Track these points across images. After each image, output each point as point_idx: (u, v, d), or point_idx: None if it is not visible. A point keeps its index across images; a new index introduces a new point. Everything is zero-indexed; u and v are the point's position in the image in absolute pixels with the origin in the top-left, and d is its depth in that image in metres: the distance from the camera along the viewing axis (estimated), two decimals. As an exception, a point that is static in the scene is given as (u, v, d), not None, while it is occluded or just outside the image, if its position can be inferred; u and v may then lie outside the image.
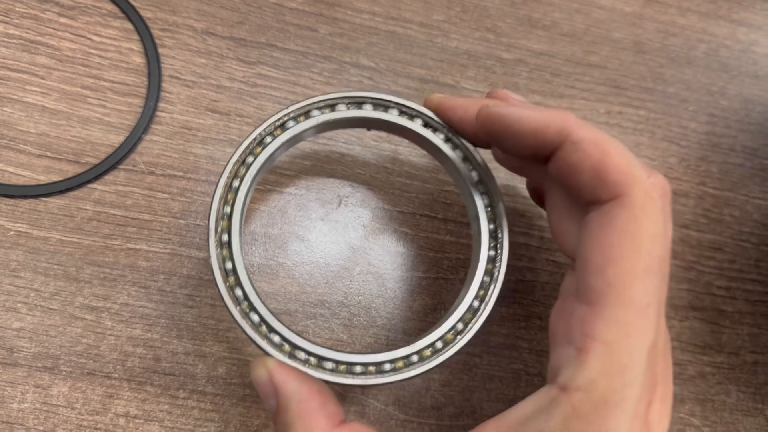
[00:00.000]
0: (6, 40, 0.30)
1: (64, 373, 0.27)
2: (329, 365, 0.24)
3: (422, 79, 0.33)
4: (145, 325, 0.28)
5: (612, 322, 0.19)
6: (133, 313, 0.28)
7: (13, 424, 0.27)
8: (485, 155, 0.27)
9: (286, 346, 0.24)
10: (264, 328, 0.24)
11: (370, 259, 0.30)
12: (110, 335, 0.28)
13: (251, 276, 0.25)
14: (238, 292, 0.24)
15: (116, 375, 0.28)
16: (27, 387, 0.27)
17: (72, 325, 0.28)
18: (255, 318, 0.24)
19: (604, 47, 0.35)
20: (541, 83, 0.34)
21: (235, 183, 0.25)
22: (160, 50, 0.31)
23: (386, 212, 0.31)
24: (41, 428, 0.27)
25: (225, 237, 0.24)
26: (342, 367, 0.24)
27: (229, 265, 0.24)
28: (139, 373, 0.28)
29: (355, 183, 0.31)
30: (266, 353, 0.23)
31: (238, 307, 0.24)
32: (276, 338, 0.24)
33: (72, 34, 0.30)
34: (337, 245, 0.30)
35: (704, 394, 0.32)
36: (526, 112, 0.23)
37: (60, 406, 0.27)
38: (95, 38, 0.31)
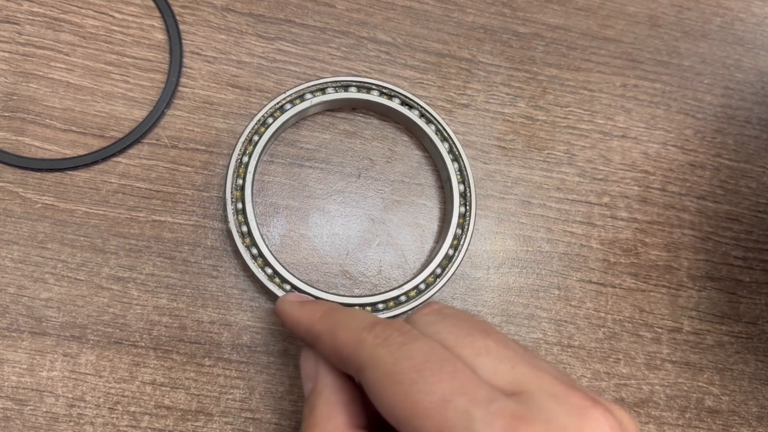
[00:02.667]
0: (31, 18, 0.30)
1: (91, 342, 0.28)
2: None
3: (439, 53, 0.33)
4: (171, 294, 0.29)
5: None
6: (159, 283, 0.29)
7: (43, 391, 0.27)
8: (455, 128, 0.32)
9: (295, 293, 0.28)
10: (277, 279, 0.28)
11: (390, 230, 0.31)
12: (136, 305, 0.28)
13: (264, 238, 0.29)
14: (254, 251, 0.28)
15: (143, 344, 0.28)
16: (56, 356, 0.27)
17: (99, 295, 0.28)
18: (269, 271, 0.28)
19: (619, 21, 0.35)
20: (557, 57, 0.34)
21: (245, 159, 0.29)
22: (181, 27, 0.31)
23: (404, 185, 0.31)
24: (70, 396, 0.27)
25: (240, 205, 0.29)
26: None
27: (245, 229, 0.28)
28: (165, 342, 0.28)
29: (374, 156, 0.32)
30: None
31: (254, 262, 0.28)
32: (288, 287, 0.28)
33: (95, 11, 0.31)
34: (357, 217, 0.31)
35: (723, 363, 0.32)
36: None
37: (88, 374, 0.27)
38: (117, 15, 0.31)
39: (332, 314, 0.23)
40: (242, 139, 0.29)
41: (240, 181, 0.29)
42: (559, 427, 0.17)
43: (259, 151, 0.29)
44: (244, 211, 0.28)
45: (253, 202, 0.29)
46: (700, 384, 0.32)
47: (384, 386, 0.19)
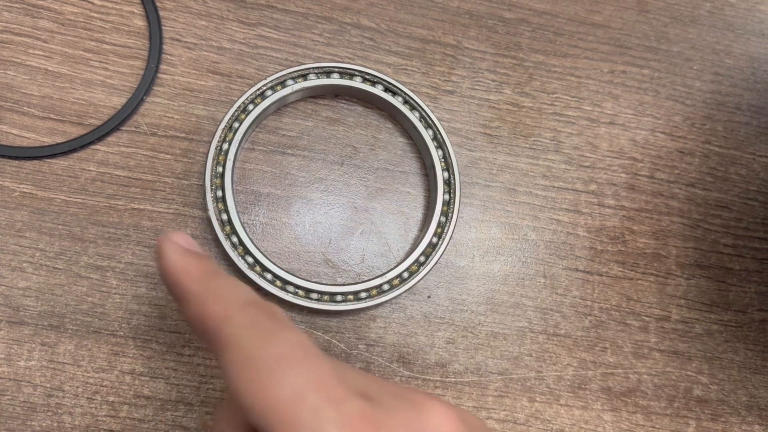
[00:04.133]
0: (9, 4, 0.30)
1: (70, 331, 0.27)
2: (315, 296, 0.28)
3: (424, 39, 0.33)
4: (150, 283, 0.28)
5: None
6: (138, 272, 0.28)
7: (21, 381, 0.27)
8: (440, 115, 0.32)
9: (278, 282, 0.28)
10: (258, 268, 0.28)
11: (373, 218, 0.30)
12: (115, 294, 0.28)
13: (245, 226, 0.29)
14: (234, 239, 0.28)
15: (122, 333, 0.28)
16: (33, 345, 0.27)
17: (77, 284, 0.28)
18: (249, 260, 0.28)
19: (607, 6, 0.35)
20: (544, 43, 0.34)
21: (225, 146, 0.29)
22: (161, 13, 0.31)
23: (388, 172, 0.31)
24: (48, 385, 0.27)
25: (219, 193, 0.28)
26: (326, 297, 0.28)
27: (224, 216, 0.28)
28: (145, 331, 0.28)
29: (358, 143, 0.31)
30: (262, 290, 0.28)
31: (234, 251, 0.28)
32: (269, 276, 0.28)
33: (73, -2, 0.30)
34: (340, 205, 0.30)
35: (712, 351, 0.32)
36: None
37: (66, 363, 0.27)
38: (97, 2, 0.31)
39: (209, 279, 0.20)
40: (222, 125, 0.29)
41: (220, 169, 0.28)
42: (402, 421, 0.18)
43: (239, 138, 0.29)
44: (224, 198, 0.28)
45: (233, 189, 0.28)
46: (688, 373, 0.31)
47: (241, 370, 0.18)
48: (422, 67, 0.32)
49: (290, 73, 0.30)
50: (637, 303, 0.32)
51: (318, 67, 0.30)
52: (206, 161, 0.28)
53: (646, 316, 0.32)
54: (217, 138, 0.29)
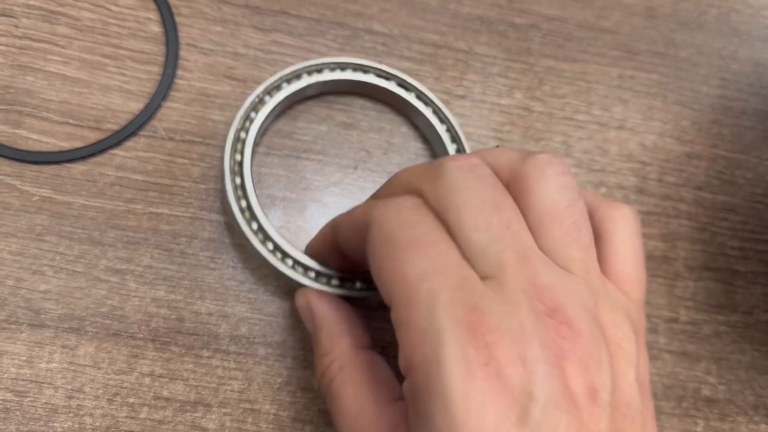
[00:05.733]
0: (28, 11, 0.30)
1: (90, 333, 0.28)
2: (348, 284, 0.27)
3: (436, 44, 0.33)
4: (169, 286, 0.29)
5: None
6: (157, 275, 0.29)
7: (42, 383, 0.27)
8: (454, 110, 0.32)
9: (312, 273, 0.27)
10: (290, 261, 0.27)
11: (387, 221, 0.31)
12: (134, 297, 0.28)
13: (265, 212, 0.29)
14: (254, 225, 0.27)
15: (141, 335, 0.28)
16: (54, 347, 0.28)
17: (97, 287, 0.28)
18: (279, 255, 0.27)
19: (616, 12, 0.35)
20: (554, 48, 0.34)
21: (242, 135, 0.28)
22: (177, 19, 0.31)
23: (402, 176, 0.31)
24: (69, 387, 0.27)
25: (238, 180, 0.28)
26: (358, 284, 0.27)
27: (244, 203, 0.28)
28: (164, 334, 0.28)
29: (371, 147, 0.32)
30: (300, 284, 0.27)
31: (264, 246, 0.27)
32: (300, 269, 0.27)
33: (91, 4, 0.31)
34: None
35: (719, 352, 0.32)
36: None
37: (87, 365, 0.28)
38: (114, 8, 0.31)
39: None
40: (240, 113, 0.28)
41: (238, 157, 0.28)
42: (518, 324, 0.17)
43: (257, 127, 0.29)
44: (243, 186, 0.28)
45: (253, 177, 0.28)
46: (696, 373, 0.32)
47: (381, 245, 0.20)
48: (434, 72, 0.33)
49: (306, 67, 0.30)
50: (647, 305, 0.32)
51: (334, 63, 0.30)
52: (225, 143, 0.28)
53: (656, 317, 0.32)
54: (236, 124, 0.28)
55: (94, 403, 0.27)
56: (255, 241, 0.27)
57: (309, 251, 0.27)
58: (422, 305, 0.18)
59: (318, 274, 0.27)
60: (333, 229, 0.25)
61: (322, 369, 0.24)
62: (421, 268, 0.18)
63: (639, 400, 0.19)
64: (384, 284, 0.19)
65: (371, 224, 0.21)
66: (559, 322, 0.18)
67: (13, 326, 0.27)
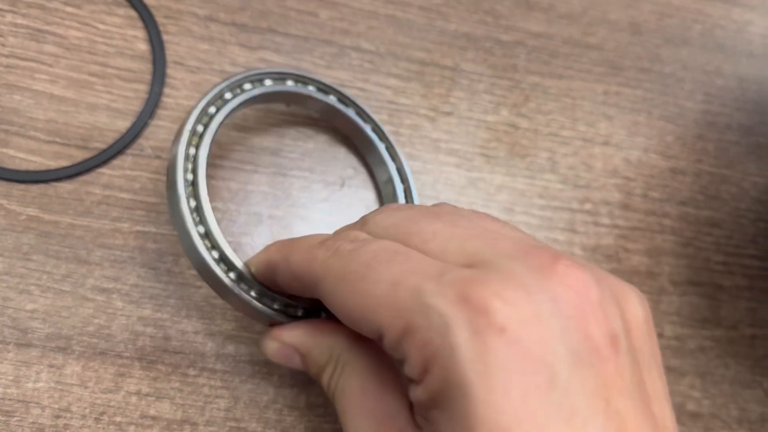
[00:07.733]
0: (14, 29, 0.30)
1: (76, 353, 0.28)
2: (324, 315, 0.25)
3: (422, 62, 0.33)
4: (155, 305, 0.29)
5: None
6: (143, 294, 0.29)
7: (29, 402, 0.27)
8: (391, 128, 0.32)
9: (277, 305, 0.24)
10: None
11: (374, 238, 0.31)
12: (121, 315, 0.28)
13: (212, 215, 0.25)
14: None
15: (127, 354, 0.28)
16: (41, 367, 0.28)
17: (83, 306, 0.28)
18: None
19: (601, 28, 0.36)
20: (540, 64, 0.34)
21: (191, 150, 0.25)
22: (164, 37, 0.31)
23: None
24: (56, 406, 0.27)
25: (193, 202, 0.24)
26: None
27: (201, 230, 0.24)
28: (150, 352, 0.28)
29: (357, 165, 0.32)
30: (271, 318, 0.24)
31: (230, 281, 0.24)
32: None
33: (78, 22, 0.31)
34: (342, 226, 0.31)
35: (704, 367, 0.33)
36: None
37: (73, 384, 0.28)
38: (101, 26, 0.31)
39: (286, 243, 0.22)
40: (184, 137, 0.25)
41: (190, 176, 0.25)
42: (519, 283, 0.16)
43: (208, 141, 0.25)
44: (199, 209, 0.24)
45: (207, 198, 0.24)
46: (681, 388, 0.32)
47: (336, 291, 0.18)
48: (421, 90, 0.33)
49: (248, 77, 0.27)
50: (631, 320, 0.32)
51: (275, 73, 0.28)
52: (174, 167, 0.24)
53: (640, 332, 0.32)
54: (182, 146, 0.25)
55: (81, 423, 0.27)
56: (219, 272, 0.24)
57: (255, 271, 0.24)
58: (411, 305, 0.16)
59: (286, 305, 0.24)
60: (270, 268, 0.23)
61: (327, 378, 0.22)
62: (391, 276, 0.17)
63: (649, 344, 0.18)
64: (360, 322, 0.18)
65: (319, 282, 0.19)
66: (561, 274, 0.16)
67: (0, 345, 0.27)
